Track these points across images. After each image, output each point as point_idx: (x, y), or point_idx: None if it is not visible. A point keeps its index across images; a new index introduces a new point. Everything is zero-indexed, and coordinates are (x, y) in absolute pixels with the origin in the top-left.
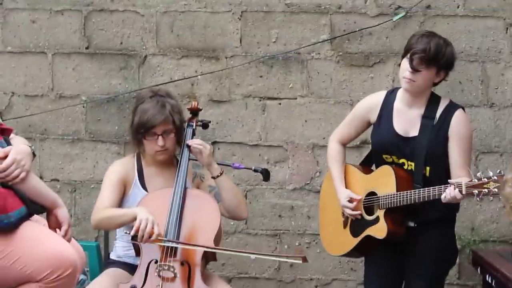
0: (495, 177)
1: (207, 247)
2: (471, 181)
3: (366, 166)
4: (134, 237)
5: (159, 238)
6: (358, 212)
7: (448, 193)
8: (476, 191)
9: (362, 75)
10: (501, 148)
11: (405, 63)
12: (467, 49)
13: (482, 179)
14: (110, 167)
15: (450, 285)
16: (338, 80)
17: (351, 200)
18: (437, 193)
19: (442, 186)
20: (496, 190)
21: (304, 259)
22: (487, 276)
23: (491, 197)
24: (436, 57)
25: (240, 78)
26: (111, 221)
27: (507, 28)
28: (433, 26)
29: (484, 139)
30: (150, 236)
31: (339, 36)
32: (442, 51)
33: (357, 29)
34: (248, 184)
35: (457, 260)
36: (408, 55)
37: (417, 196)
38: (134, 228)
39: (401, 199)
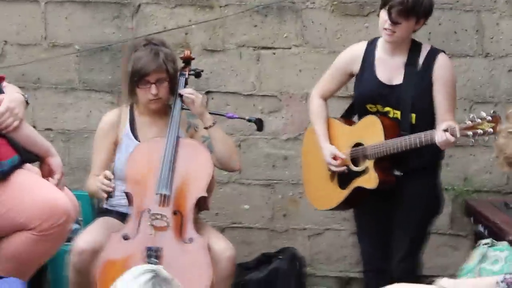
0: (489, 117)
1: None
2: (464, 122)
3: (348, 118)
4: (110, 196)
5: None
6: (344, 167)
7: (440, 137)
8: (470, 133)
9: (356, 24)
10: (495, 98)
11: (383, 14)
12: None
13: (476, 120)
14: (100, 123)
15: (442, 235)
16: (333, 29)
17: (335, 158)
18: (429, 138)
19: (429, 132)
20: (491, 130)
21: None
22: (480, 225)
23: (486, 138)
24: (414, 8)
25: (234, 27)
26: (95, 196)
27: None
28: None
29: (479, 89)
30: (110, 186)
31: None
32: (420, 1)
33: None
34: (241, 134)
35: (450, 210)
36: (386, 7)
37: (407, 143)
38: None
39: (391, 147)
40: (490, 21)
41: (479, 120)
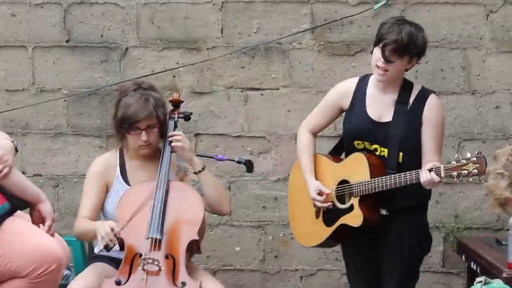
0: (474, 158)
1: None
2: (449, 163)
3: (336, 155)
4: (106, 248)
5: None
6: (329, 203)
7: (425, 176)
8: (455, 173)
9: (344, 64)
10: (483, 135)
11: (377, 52)
12: (448, 36)
13: (461, 161)
14: (91, 166)
15: (434, 273)
16: (320, 69)
17: (320, 193)
18: (414, 177)
19: (414, 171)
20: (476, 171)
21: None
22: (472, 263)
23: (470, 179)
24: (408, 47)
25: (221, 69)
26: (83, 236)
27: (487, 15)
28: (414, 13)
29: (467, 126)
30: (116, 236)
31: (320, 26)
32: (414, 40)
33: (338, 18)
34: (231, 175)
35: (441, 248)
36: (380, 45)
37: (392, 182)
38: (100, 244)
39: (375, 185)
40: (477, 59)
41: (464, 161)
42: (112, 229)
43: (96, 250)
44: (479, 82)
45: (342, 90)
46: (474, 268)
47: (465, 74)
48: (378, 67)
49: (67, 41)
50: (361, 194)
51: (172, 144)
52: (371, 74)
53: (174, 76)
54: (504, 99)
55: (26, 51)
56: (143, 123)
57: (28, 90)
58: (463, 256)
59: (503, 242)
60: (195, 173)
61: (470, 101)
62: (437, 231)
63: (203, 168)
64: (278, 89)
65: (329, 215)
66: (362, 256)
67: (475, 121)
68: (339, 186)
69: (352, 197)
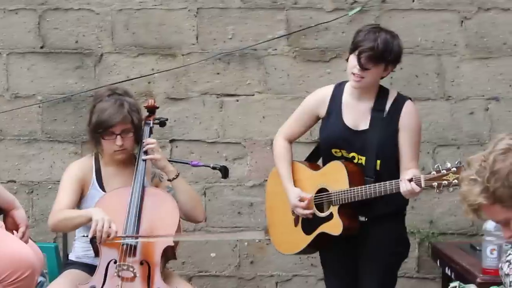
0: (454, 168)
1: (166, 236)
2: (429, 173)
3: (313, 162)
4: (93, 239)
5: (118, 236)
6: (310, 211)
7: (405, 187)
8: (435, 184)
9: (319, 70)
10: (458, 141)
11: (352, 59)
12: (422, 43)
13: (441, 171)
14: (67, 169)
15: (409, 278)
16: (295, 75)
17: (301, 199)
18: (394, 187)
19: (394, 181)
20: (456, 181)
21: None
22: (447, 268)
23: (451, 189)
24: (384, 54)
25: (197, 75)
26: (67, 222)
27: (462, 21)
28: (389, 20)
29: (441, 132)
30: (108, 235)
31: (295, 32)
32: (390, 48)
33: (313, 25)
34: (206, 181)
35: (416, 253)
36: (356, 52)
37: (372, 192)
38: (92, 230)
39: (355, 194)
40: (451, 65)
41: (444, 171)
42: (110, 231)
43: (77, 236)
44: (453, 88)
45: (318, 98)
46: (449, 273)
47: (439, 80)
48: (354, 74)
49: (41, 47)
50: (341, 202)
51: (146, 157)
52: (346, 81)
53: (149, 82)
54: (478, 105)
55: (1, 57)
56: (118, 128)
57: (2, 96)
58: (438, 262)
59: (478, 248)
60: (169, 180)
61: (445, 107)
62: (412, 236)
63: (177, 176)
64: (253, 95)
65: (308, 223)
66: (341, 262)
67: (449, 127)
68: (318, 194)
69: (331, 206)
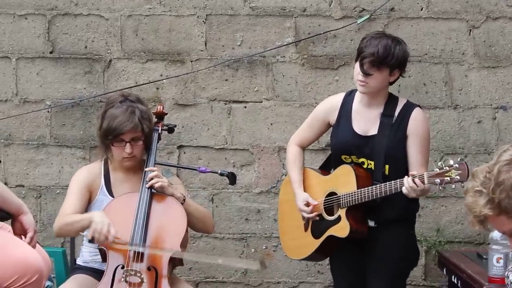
0: (456, 165)
1: (171, 251)
2: (432, 170)
3: (325, 169)
4: (91, 240)
5: (119, 242)
6: (315, 213)
7: (407, 183)
8: (438, 180)
9: (327, 77)
10: (465, 149)
11: (357, 66)
12: (431, 51)
13: (444, 168)
14: (75, 174)
15: (416, 286)
16: (303, 83)
17: (307, 204)
18: (398, 186)
19: (399, 180)
20: (457, 177)
21: (263, 264)
22: (453, 277)
23: (453, 185)
24: (386, 59)
25: (205, 81)
26: (70, 227)
27: (470, 30)
28: (397, 28)
29: (449, 141)
30: (106, 238)
31: (304, 39)
32: (391, 52)
33: (322, 32)
34: (214, 188)
35: (423, 261)
36: (359, 59)
37: (377, 191)
38: (90, 231)
39: (361, 196)
40: (459, 73)
41: (446, 168)
42: (108, 233)
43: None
44: (461, 97)
45: (329, 106)
46: (455, 281)
47: (447, 89)
48: (359, 80)
49: (51, 52)
50: (348, 205)
51: (153, 185)
52: (357, 90)
53: (157, 88)
54: (486, 114)
55: (10, 62)
56: (128, 136)
57: (11, 101)
58: (444, 270)
59: (484, 256)
60: None
61: (452, 116)
62: (419, 244)
63: (184, 200)
64: (261, 102)
65: (317, 227)
66: (350, 268)
67: (457, 136)
68: (327, 198)
69: (339, 209)
